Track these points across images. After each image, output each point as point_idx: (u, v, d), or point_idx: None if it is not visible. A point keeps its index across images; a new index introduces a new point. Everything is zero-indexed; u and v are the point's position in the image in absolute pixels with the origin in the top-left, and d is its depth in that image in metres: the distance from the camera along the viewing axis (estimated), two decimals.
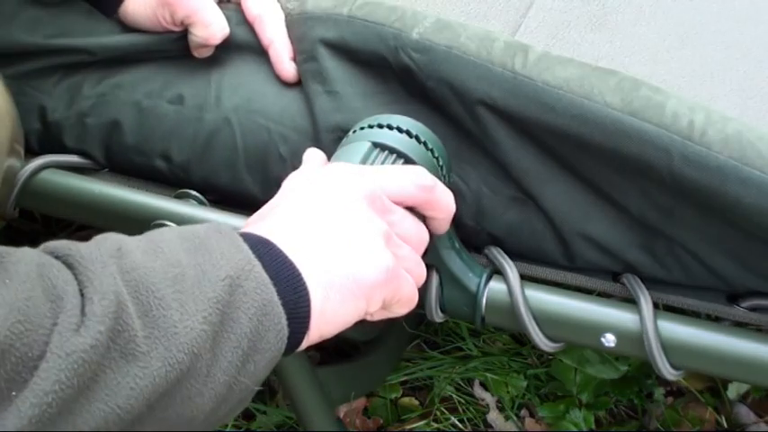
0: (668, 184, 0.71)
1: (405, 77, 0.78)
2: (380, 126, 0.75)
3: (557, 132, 0.74)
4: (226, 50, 0.86)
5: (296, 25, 0.84)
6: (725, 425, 1.20)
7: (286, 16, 0.85)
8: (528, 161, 0.77)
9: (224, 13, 0.85)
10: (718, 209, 0.71)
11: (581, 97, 0.72)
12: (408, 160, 0.73)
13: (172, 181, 0.87)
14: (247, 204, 0.86)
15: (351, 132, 0.76)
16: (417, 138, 0.74)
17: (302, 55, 0.82)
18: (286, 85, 0.84)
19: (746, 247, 0.72)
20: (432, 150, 0.74)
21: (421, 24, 0.78)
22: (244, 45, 0.86)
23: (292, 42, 0.84)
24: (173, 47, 0.87)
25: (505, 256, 0.79)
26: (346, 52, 0.81)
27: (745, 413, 1.21)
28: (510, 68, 0.74)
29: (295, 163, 0.83)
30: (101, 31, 0.88)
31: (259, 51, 0.85)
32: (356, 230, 0.63)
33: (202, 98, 0.85)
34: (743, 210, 0.70)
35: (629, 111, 0.71)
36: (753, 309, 0.75)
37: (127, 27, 0.88)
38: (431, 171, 0.74)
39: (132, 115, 0.86)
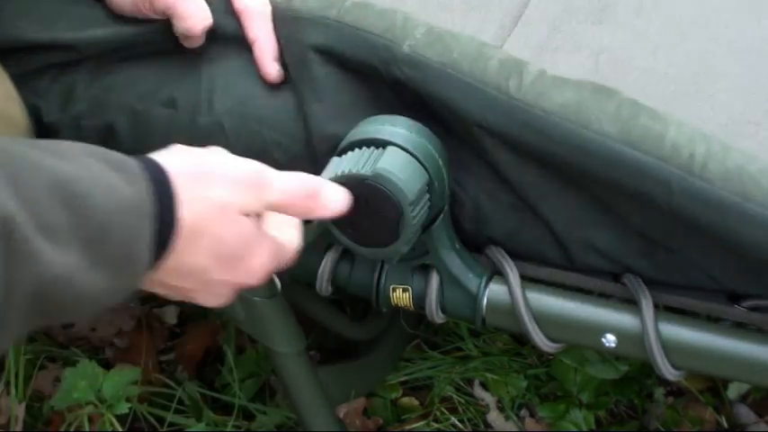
0: (669, 214, 0.71)
1: (398, 89, 0.77)
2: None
3: (555, 159, 0.73)
4: (215, 43, 0.84)
5: (283, 22, 0.82)
6: (725, 425, 1.20)
7: (273, 8, 0.83)
8: (528, 178, 0.76)
9: (211, 2, 0.83)
10: (720, 240, 0.70)
11: (578, 126, 0.71)
12: (412, 155, 0.73)
13: None
14: None
15: (349, 134, 0.76)
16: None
17: (292, 57, 0.81)
18: (276, 84, 0.83)
19: (749, 264, 0.72)
20: (434, 154, 0.74)
21: (412, 36, 0.76)
22: (233, 37, 0.83)
23: (279, 39, 0.82)
24: (160, 38, 0.85)
25: (506, 257, 0.79)
26: (337, 59, 0.79)
27: (745, 413, 1.21)
28: (505, 92, 0.73)
29: (291, 168, 0.83)
30: (86, 19, 0.86)
31: (249, 45, 0.83)
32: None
33: (195, 101, 0.84)
34: (744, 244, 0.69)
35: (628, 141, 0.70)
36: (753, 309, 0.75)
37: (112, 15, 0.86)
38: (433, 168, 0.74)
39: (126, 119, 0.86)
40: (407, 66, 0.75)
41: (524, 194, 0.77)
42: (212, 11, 0.82)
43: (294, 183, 0.66)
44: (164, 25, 0.84)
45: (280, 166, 0.82)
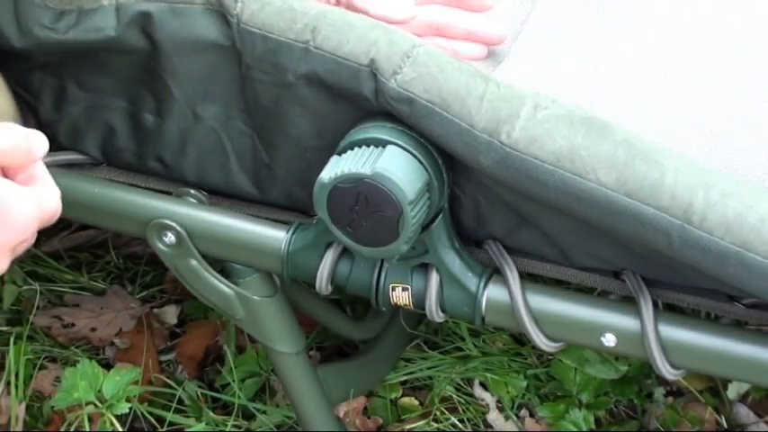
0: (669, 257, 0.71)
1: (390, 115, 0.75)
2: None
3: (550, 202, 0.72)
4: (170, 49, 0.81)
5: (250, 40, 0.77)
6: (725, 425, 1.20)
7: (231, 18, 0.78)
8: (523, 205, 0.76)
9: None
10: (721, 282, 0.71)
11: (573, 174, 0.70)
12: (412, 154, 0.73)
13: (168, 178, 0.87)
14: (245, 198, 0.86)
15: (349, 133, 0.76)
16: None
17: (270, 76, 0.78)
18: (256, 89, 0.79)
19: None
20: (433, 154, 0.74)
21: (399, 67, 0.73)
22: (188, 45, 0.80)
23: (243, 51, 0.78)
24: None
25: (505, 255, 0.79)
26: (323, 84, 0.76)
27: (745, 413, 1.21)
28: (496, 138, 0.71)
29: (285, 170, 0.82)
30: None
31: (203, 47, 0.80)
32: None
33: (178, 111, 0.83)
34: (746, 290, 0.70)
35: (625, 191, 0.69)
36: (753, 306, 0.75)
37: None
38: (432, 168, 0.74)
39: (122, 123, 0.85)
40: (396, 101, 0.73)
41: (520, 212, 0.77)
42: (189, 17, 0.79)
43: (10, 132, 0.63)
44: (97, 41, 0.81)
45: (270, 169, 0.83)
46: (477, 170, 0.73)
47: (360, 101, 0.76)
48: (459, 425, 1.21)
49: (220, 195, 0.87)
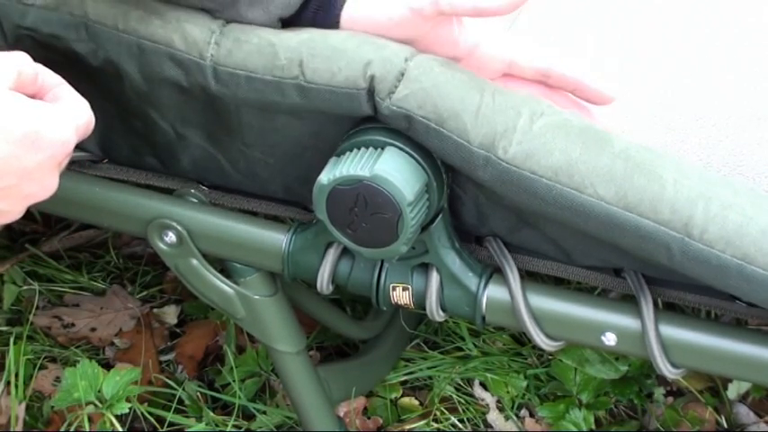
0: (669, 268, 0.71)
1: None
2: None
3: (548, 216, 0.72)
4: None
5: (233, 81, 0.75)
6: (725, 425, 1.20)
7: (206, 60, 0.75)
8: (523, 212, 0.76)
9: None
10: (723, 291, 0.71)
11: (571, 189, 0.69)
12: (411, 156, 0.73)
13: (166, 174, 0.87)
14: (244, 193, 0.86)
15: (348, 134, 0.76)
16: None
17: (259, 111, 0.76)
18: (241, 117, 0.78)
19: None
20: (432, 155, 0.74)
21: (394, 86, 0.71)
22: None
23: (223, 92, 0.75)
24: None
25: (506, 253, 0.79)
26: (320, 111, 0.75)
27: (745, 413, 1.21)
28: (494, 154, 0.70)
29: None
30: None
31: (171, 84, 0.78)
32: None
33: (161, 128, 0.82)
34: (748, 299, 0.70)
35: (624, 205, 0.69)
36: (753, 304, 0.75)
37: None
38: (431, 169, 0.74)
39: (117, 123, 0.85)
40: (392, 118, 0.72)
41: (521, 217, 0.77)
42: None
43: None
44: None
45: (267, 167, 0.82)
46: (479, 184, 0.73)
47: (359, 117, 0.75)
48: (459, 425, 1.21)
49: (220, 190, 0.87)
